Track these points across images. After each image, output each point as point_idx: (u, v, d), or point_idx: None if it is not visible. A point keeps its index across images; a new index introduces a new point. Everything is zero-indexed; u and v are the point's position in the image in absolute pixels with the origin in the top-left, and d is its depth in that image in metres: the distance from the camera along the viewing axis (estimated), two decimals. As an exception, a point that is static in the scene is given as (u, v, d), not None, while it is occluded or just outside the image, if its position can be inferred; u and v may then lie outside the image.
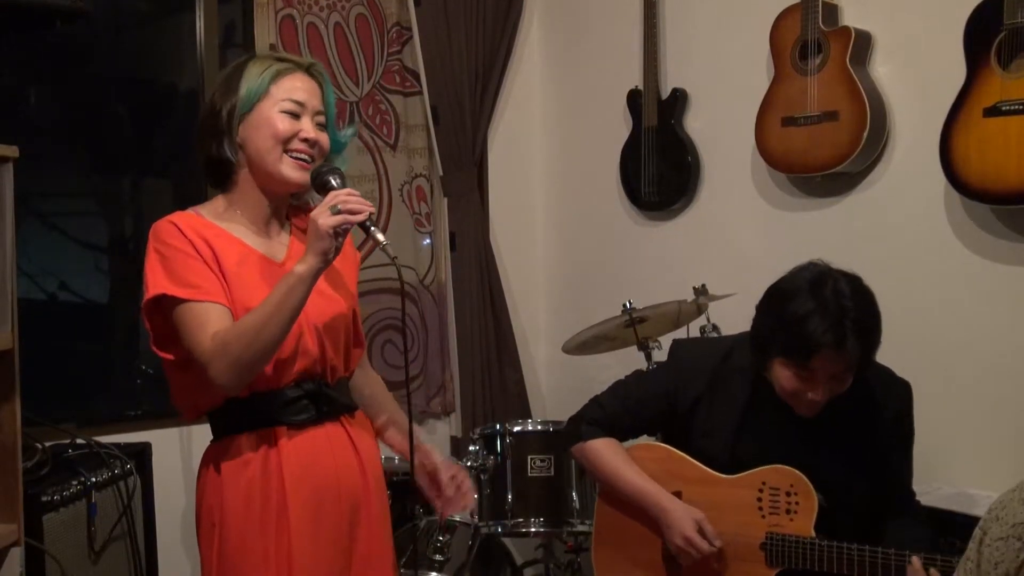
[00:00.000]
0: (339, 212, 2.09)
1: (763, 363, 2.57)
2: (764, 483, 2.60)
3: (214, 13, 3.95)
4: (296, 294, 2.09)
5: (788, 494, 2.57)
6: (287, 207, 2.37)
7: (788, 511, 2.56)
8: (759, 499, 2.60)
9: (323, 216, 2.08)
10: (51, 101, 3.89)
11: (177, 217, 2.22)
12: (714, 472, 2.68)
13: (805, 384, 2.48)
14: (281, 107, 2.23)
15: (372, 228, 2.13)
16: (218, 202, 2.31)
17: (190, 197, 2.32)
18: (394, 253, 2.17)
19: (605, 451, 2.80)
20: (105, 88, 4.02)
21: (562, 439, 2.96)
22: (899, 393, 2.68)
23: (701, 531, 2.61)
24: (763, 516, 2.59)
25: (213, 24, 3.96)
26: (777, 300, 2.53)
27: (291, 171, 2.23)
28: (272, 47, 3.94)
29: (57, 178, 3.92)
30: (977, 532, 1.69)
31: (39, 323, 3.74)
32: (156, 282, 2.14)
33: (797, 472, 2.56)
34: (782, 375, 2.51)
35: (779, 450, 2.61)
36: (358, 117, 4.18)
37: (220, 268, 2.17)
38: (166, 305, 2.16)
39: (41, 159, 3.71)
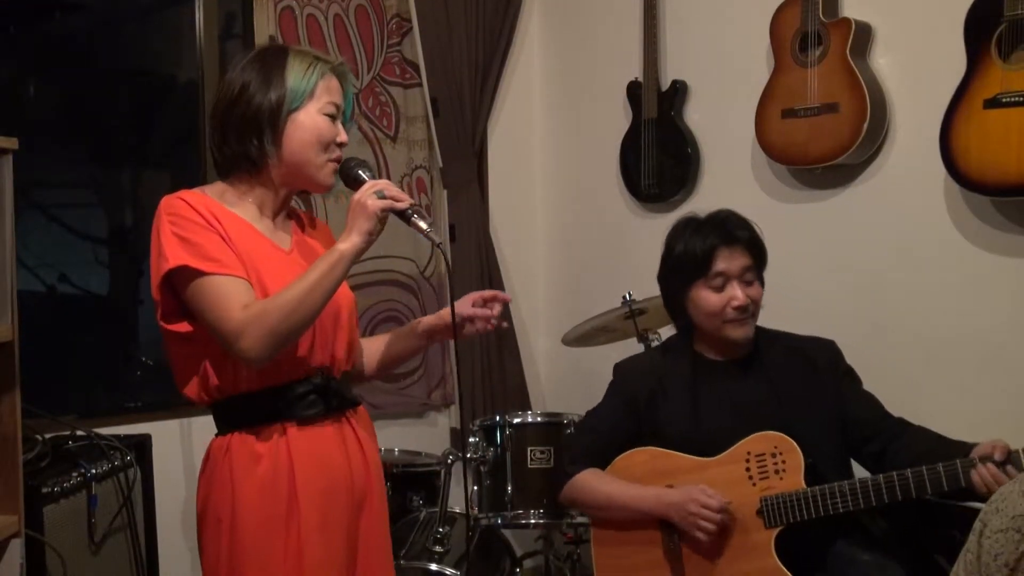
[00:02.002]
0: (384, 197, 2.15)
1: (682, 307, 2.81)
2: (749, 452, 2.68)
3: (214, 5, 3.95)
4: (337, 271, 2.13)
5: (773, 456, 2.65)
6: (291, 201, 2.36)
7: (777, 471, 2.64)
8: (747, 469, 2.67)
9: (370, 199, 2.14)
10: (51, 93, 3.89)
11: (185, 194, 2.19)
12: (699, 458, 2.73)
13: (723, 295, 2.73)
14: (325, 110, 2.24)
15: (414, 216, 2.20)
16: (222, 187, 2.27)
17: (192, 187, 2.29)
18: (439, 239, 2.25)
19: (592, 480, 2.84)
20: (105, 80, 4.02)
21: (556, 452, 3.00)
22: (825, 345, 2.87)
23: (705, 492, 2.66)
24: (754, 484, 2.66)
25: (213, 16, 3.96)
26: (667, 250, 2.84)
27: (329, 177, 2.27)
28: (271, 39, 3.93)
29: (57, 170, 3.92)
30: (977, 524, 1.69)
31: (39, 315, 3.75)
32: (175, 254, 2.10)
33: (777, 433, 2.66)
34: (701, 299, 2.75)
35: (736, 415, 2.74)
36: (358, 109, 4.17)
37: (231, 244, 2.16)
38: (180, 279, 2.12)
39: (41, 151, 3.71)
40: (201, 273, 2.10)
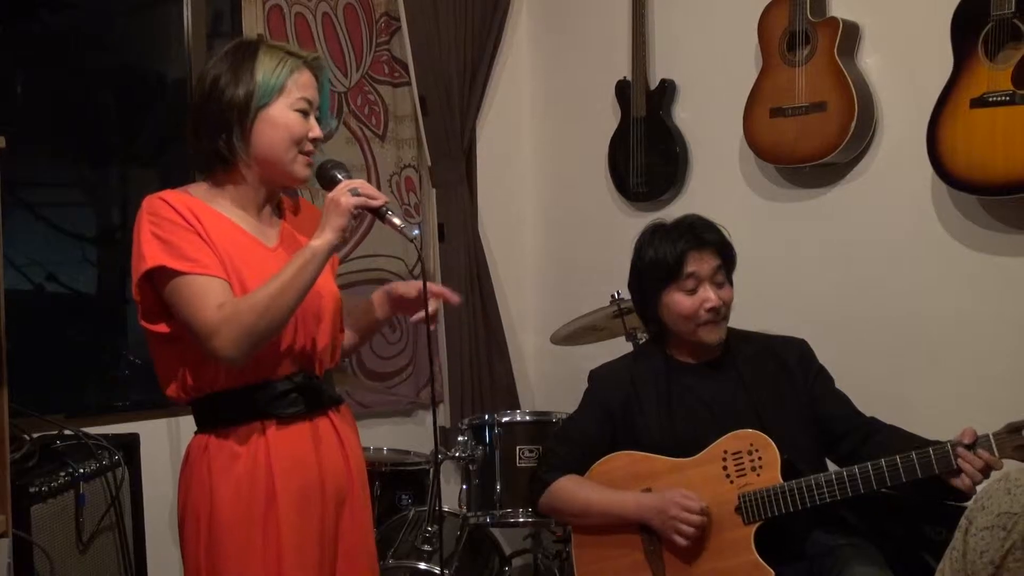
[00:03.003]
0: (358, 195, 2.16)
1: (654, 313, 2.83)
2: (726, 451, 2.69)
3: (202, 3, 3.93)
4: (311, 268, 2.13)
5: (750, 453, 2.66)
6: (278, 195, 2.37)
7: (754, 469, 2.65)
8: (724, 467, 2.68)
9: (344, 196, 2.15)
10: (38, 90, 3.87)
11: (167, 194, 2.20)
12: (677, 459, 2.74)
13: (696, 298, 2.76)
14: (296, 105, 2.23)
15: (389, 213, 2.21)
16: (204, 186, 2.28)
17: (178, 187, 2.29)
18: (412, 234, 2.24)
19: (570, 486, 2.84)
20: (93, 77, 4.01)
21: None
22: (796, 344, 2.89)
23: (684, 496, 2.66)
24: (731, 482, 2.67)
25: (201, 14, 3.95)
26: (635, 259, 2.87)
27: (303, 170, 2.27)
28: (260, 37, 3.92)
29: (45, 168, 3.91)
30: (963, 522, 1.70)
31: (27, 314, 3.74)
32: (153, 254, 2.12)
33: (752, 431, 2.67)
34: (674, 303, 2.77)
35: (711, 416, 2.76)
36: (347, 108, 4.17)
37: (212, 244, 2.16)
38: (159, 279, 2.14)
39: (29, 149, 3.69)
40: (178, 273, 2.12)
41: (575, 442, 2.91)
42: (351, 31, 4.19)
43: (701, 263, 2.76)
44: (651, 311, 2.85)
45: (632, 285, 2.91)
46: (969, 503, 1.73)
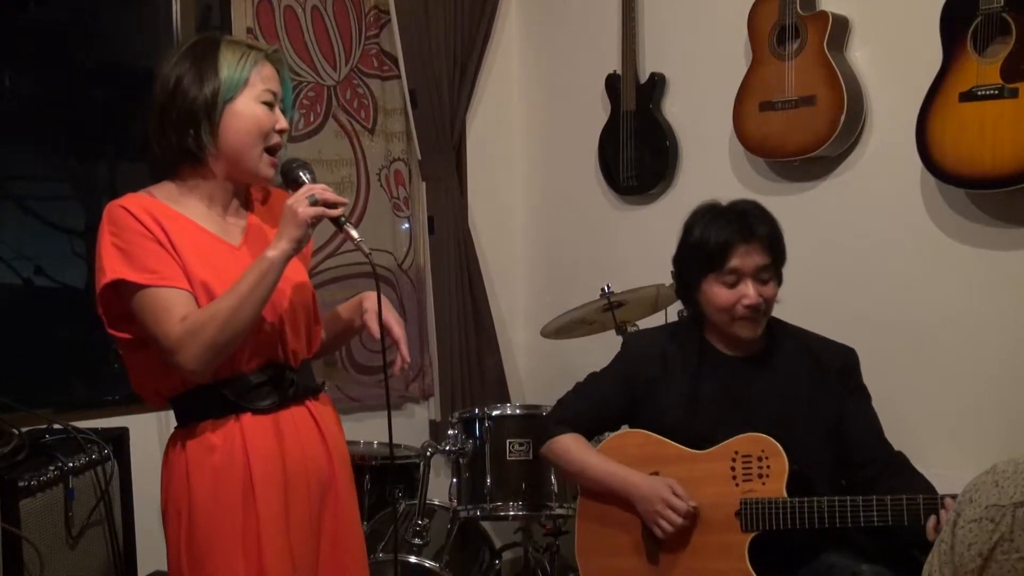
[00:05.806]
0: (316, 203, 2.14)
1: (693, 295, 2.74)
2: (736, 452, 2.65)
3: (191, -4, 3.94)
4: (268, 278, 2.13)
5: (760, 459, 2.62)
6: (245, 189, 2.36)
7: (760, 475, 2.61)
8: (732, 468, 2.65)
9: (302, 206, 2.13)
10: (27, 85, 3.86)
11: (129, 200, 2.19)
12: (690, 449, 2.72)
13: (735, 291, 2.66)
14: (261, 97, 2.23)
15: (346, 225, 2.20)
16: (170, 186, 2.27)
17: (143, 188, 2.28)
18: (368, 249, 2.22)
19: (572, 445, 2.84)
20: (81, 72, 4.00)
21: (535, 444, 2.98)
22: (842, 352, 2.80)
23: (675, 493, 2.65)
24: (737, 484, 2.64)
25: (190, 8, 3.94)
26: (684, 235, 2.77)
27: (268, 169, 2.26)
28: (249, 31, 3.92)
29: (33, 162, 3.90)
30: (951, 514, 1.70)
31: (15, 308, 3.73)
32: (112, 267, 2.12)
33: (767, 437, 2.62)
34: (712, 293, 2.68)
35: (735, 412, 2.70)
36: (336, 102, 4.16)
37: (175, 250, 2.16)
38: (123, 290, 2.14)
39: (17, 143, 3.68)
40: (139, 285, 2.12)
41: (590, 400, 2.89)
42: (340, 25, 4.18)
43: (746, 258, 2.65)
44: (690, 293, 2.77)
45: (676, 261, 2.81)
46: (958, 496, 1.73)
